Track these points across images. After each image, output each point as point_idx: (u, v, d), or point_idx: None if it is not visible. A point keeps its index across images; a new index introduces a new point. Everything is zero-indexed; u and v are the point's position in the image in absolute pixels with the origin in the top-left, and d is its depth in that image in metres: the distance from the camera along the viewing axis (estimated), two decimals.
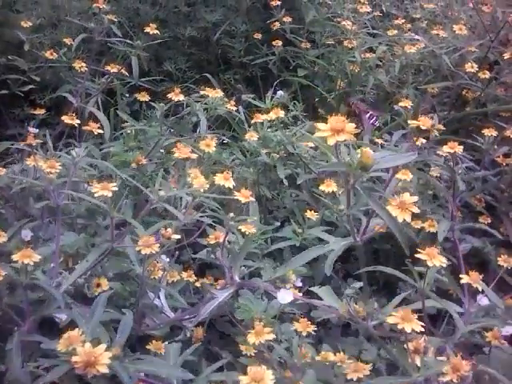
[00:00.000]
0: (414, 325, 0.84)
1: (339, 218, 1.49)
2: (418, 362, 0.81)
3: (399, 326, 0.83)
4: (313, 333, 1.11)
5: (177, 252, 1.36)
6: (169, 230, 1.16)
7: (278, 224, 1.74)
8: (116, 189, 1.10)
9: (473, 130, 2.08)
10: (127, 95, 2.31)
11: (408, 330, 0.83)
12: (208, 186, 1.24)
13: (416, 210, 0.89)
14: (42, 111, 2.03)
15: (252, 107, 2.17)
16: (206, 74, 2.41)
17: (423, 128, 1.03)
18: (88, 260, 1.09)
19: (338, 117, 0.86)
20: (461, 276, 1.10)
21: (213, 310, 1.14)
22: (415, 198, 0.90)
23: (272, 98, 2.04)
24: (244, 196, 1.27)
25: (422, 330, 0.84)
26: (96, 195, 1.08)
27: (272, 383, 0.81)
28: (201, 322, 1.26)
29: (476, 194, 1.68)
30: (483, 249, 1.57)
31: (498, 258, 1.52)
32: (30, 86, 2.19)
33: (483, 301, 1.36)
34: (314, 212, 1.64)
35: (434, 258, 0.94)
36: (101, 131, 1.49)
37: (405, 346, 0.84)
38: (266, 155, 1.79)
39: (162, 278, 1.27)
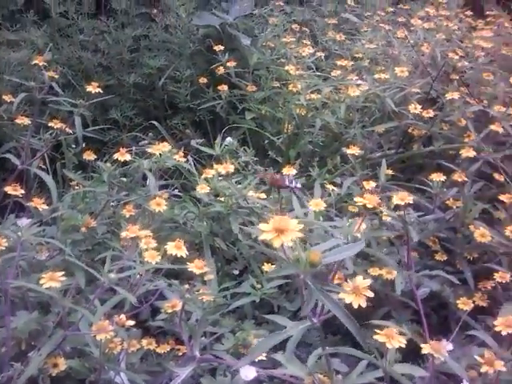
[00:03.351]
0: None
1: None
2: None
3: None
4: None
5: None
6: (122, 316, 1.12)
7: (237, 273, 1.72)
8: (64, 278, 1.06)
9: (421, 167, 2.12)
10: (73, 146, 2.26)
11: None
12: (160, 257, 1.21)
13: (370, 294, 0.89)
14: None
15: (202, 152, 2.15)
16: (153, 122, 2.38)
17: (369, 206, 1.03)
18: (41, 354, 1.04)
19: (281, 217, 0.84)
20: (422, 346, 1.09)
21: None
22: (368, 281, 0.90)
23: (221, 144, 2.03)
24: (198, 267, 1.24)
25: None
26: (44, 287, 1.04)
27: None
28: None
29: (430, 236, 1.70)
30: (442, 292, 1.58)
31: (457, 301, 1.54)
32: None
33: (447, 346, 1.37)
34: (272, 264, 1.62)
35: (392, 339, 0.94)
36: (45, 207, 1.44)
37: None
38: (218, 205, 1.77)
39: (122, 352, 1.23)
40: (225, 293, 1.58)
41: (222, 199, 1.73)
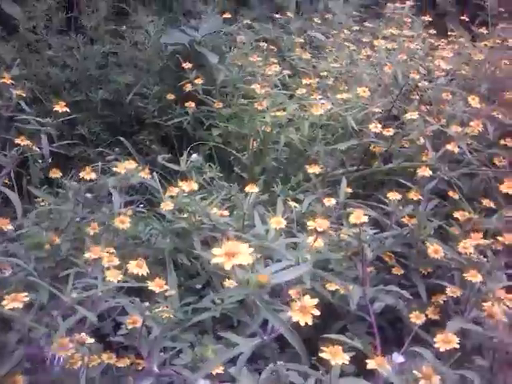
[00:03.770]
0: None
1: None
2: None
3: None
4: None
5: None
6: (82, 334, 1.15)
7: (199, 287, 1.75)
8: (27, 299, 1.09)
9: (382, 184, 2.19)
10: (40, 161, 2.27)
11: None
12: (121, 275, 1.24)
13: (317, 313, 0.94)
14: None
15: (168, 168, 2.19)
16: (120, 138, 2.41)
17: (320, 230, 1.08)
18: (1, 372, 1.07)
19: (232, 242, 0.89)
20: (367, 361, 1.14)
21: None
22: (315, 301, 0.94)
23: (187, 161, 2.07)
24: (158, 286, 1.27)
25: None
26: (7, 308, 1.07)
27: None
28: None
29: (386, 251, 1.75)
30: (396, 306, 1.63)
31: (410, 315, 1.59)
32: None
33: (398, 359, 1.43)
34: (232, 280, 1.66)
35: (336, 357, 0.98)
36: (10, 227, 1.46)
37: None
38: (182, 221, 1.80)
39: (82, 368, 1.26)
40: (186, 308, 1.60)
41: (186, 215, 1.76)
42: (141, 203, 2.04)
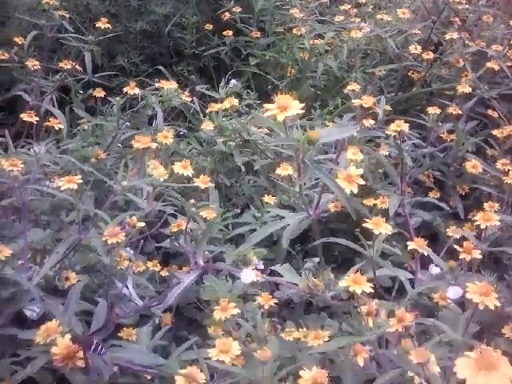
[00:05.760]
0: (365, 287, 0.91)
1: (296, 200, 1.54)
2: (370, 323, 0.87)
3: (350, 289, 0.90)
4: (275, 306, 1.17)
5: (141, 242, 1.40)
6: (134, 218, 1.20)
7: (238, 211, 1.79)
8: (81, 181, 1.14)
9: (419, 110, 2.17)
10: (81, 92, 2.32)
11: (358, 292, 0.89)
12: (167, 175, 1.28)
13: (361, 182, 0.96)
14: None
15: (206, 98, 2.21)
16: (159, 67, 2.43)
17: (366, 106, 1.10)
18: (58, 252, 1.13)
19: (284, 95, 0.91)
20: (408, 243, 1.17)
21: (180, 295, 1.18)
22: (361, 171, 0.97)
23: (225, 87, 2.09)
24: (203, 182, 1.31)
25: (372, 291, 0.91)
26: (62, 188, 1.12)
27: (238, 352, 0.87)
28: (168, 309, 1.31)
29: (424, 171, 1.76)
30: (433, 222, 1.65)
31: (447, 230, 1.60)
32: None
33: (434, 270, 1.45)
34: (272, 196, 1.69)
35: (379, 226, 1.01)
36: (61, 126, 1.51)
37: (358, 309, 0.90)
38: (222, 144, 1.84)
39: (129, 268, 1.31)
40: (226, 222, 1.64)
41: (226, 134, 1.79)
42: (180, 127, 2.08)
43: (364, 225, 1.01)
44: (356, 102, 1.15)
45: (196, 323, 1.48)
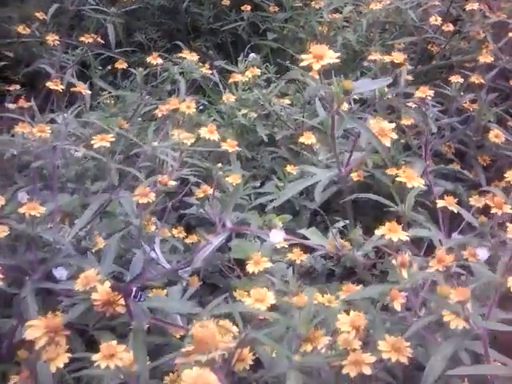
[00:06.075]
0: (401, 235, 0.92)
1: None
2: (404, 274, 0.88)
3: (386, 237, 0.91)
4: (306, 261, 1.18)
5: (168, 208, 1.40)
6: (165, 176, 1.21)
7: (258, 184, 1.80)
8: (114, 139, 1.16)
9: (439, 82, 2.17)
10: (100, 68, 2.33)
11: (395, 240, 0.90)
12: (193, 140, 1.29)
13: (394, 136, 0.97)
14: (17, 87, 2.03)
15: (224, 73, 2.22)
16: (177, 42, 2.44)
17: (396, 62, 1.10)
18: (92, 208, 1.15)
19: (320, 45, 0.92)
20: (436, 201, 1.18)
21: (206, 258, 1.20)
22: (393, 125, 0.97)
23: (244, 61, 2.09)
24: (230, 146, 1.32)
25: (408, 239, 0.92)
26: (95, 146, 1.14)
27: (274, 301, 0.89)
28: (195, 273, 1.33)
29: (446, 142, 1.76)
30: (455, 191, 1.65)
31: (470, 199, 1.61)
32: (3, 63, 2.20)
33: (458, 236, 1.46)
34: (294, 166, 1.70)
35: (412, 180, 1.02)
36: (88, 92, 1.52)
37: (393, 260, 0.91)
38: (242, 117, 1.85)
39: (156, 232, 1.33)
40: (247, 192, 1.65)
41: (248, 105, 1.80)
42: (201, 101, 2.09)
43: (397, 178, 1.02)
44: (386, 57, 1.15)
45: (221, 290, 1.49)
